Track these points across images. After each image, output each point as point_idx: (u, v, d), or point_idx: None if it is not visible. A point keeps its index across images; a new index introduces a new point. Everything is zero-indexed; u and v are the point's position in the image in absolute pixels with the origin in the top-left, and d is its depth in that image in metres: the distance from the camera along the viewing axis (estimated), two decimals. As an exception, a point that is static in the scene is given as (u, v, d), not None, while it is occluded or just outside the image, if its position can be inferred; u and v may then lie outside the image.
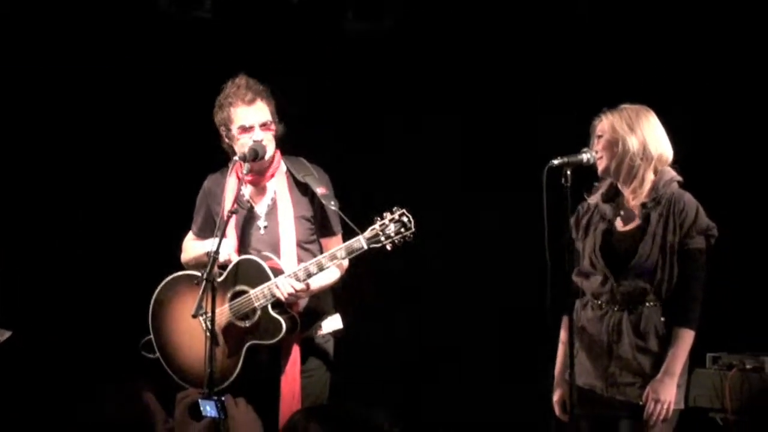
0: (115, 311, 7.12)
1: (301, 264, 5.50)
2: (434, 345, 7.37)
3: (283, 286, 5.44)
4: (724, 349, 6.29)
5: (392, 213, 5.31)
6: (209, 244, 5.59)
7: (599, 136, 5.22)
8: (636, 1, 7.09)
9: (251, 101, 5.64)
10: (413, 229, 5.29)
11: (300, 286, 5.45)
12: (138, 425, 3.88)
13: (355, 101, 7.33)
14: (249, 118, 5.65)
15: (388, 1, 7.34)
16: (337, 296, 5.79)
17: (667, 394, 5.06)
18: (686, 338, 5.11)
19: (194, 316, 5.36)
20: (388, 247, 5.31)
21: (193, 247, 5.86)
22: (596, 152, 5.19)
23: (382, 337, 7.33)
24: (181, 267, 5.83)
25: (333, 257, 5.41)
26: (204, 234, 5.78)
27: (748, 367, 6.15)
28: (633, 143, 5.15)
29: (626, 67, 6.93)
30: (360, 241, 5.33)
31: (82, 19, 7.30)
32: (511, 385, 7.03)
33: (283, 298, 5.45)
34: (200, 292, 5.31)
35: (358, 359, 6.89)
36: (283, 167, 5.74)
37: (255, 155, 5.56)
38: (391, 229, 5.29)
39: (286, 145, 5.77)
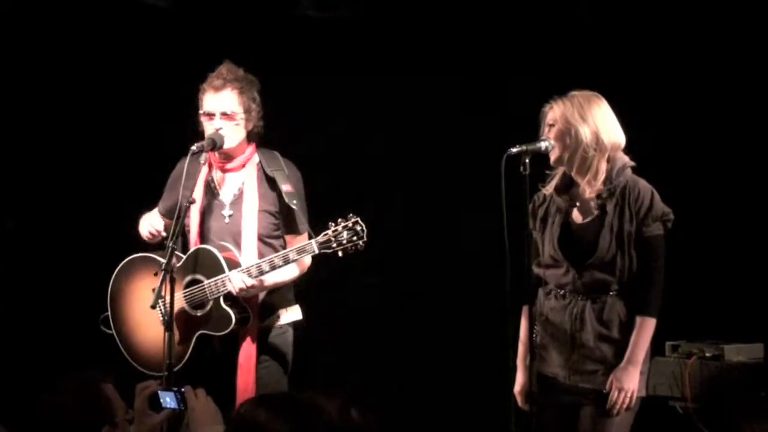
0: (76, 299, 7.09)
1: (255, 260, 5.49)
2: (394, 331, 7.36)
3: (235, 281, 5.44)
4: (683, 337, 6.34)
5: (346, 220, 5.30)
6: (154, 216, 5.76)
7: (551, 125, 5.21)
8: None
9: (218, 88, 5.61)
10: (365, 239, 5.28)
11: (251, 282, 5.44)
12: (98, 415, 3.87)
13: (312, 91, 7.31)
14: (212, 105, 5.61)
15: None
16: (299, 289, 5.79)
17: (631, 382, 5.09)
18: (648, 326, 5.14)
19: (152, 307, 5.37)
20: (340, 254, 5.32)
21: (145, 217, 5.85)
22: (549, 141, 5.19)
23: (342, 325, 7.33)
24: (139, 248, 5.81)
25: (285, 258, 5.41)
26: (170, 215, 5.74)
27: (707, 355, 6.19)
28: (585, 133, 5.13)
29: (573, 52, 6.94)
30: (312, 245, 5.33)
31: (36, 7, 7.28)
32: (474, 375, 7.02)
33: (234, 293, 5.45)
34: (159, 284, 5.31)
35: (321, 349, 6.95)
36: (255, 159, 5.72)
37: (213, 145, 5.53)
38: (344, 236, 5.28)
39: (264, 138, 5.75)
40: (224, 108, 5.60)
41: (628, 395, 5.09)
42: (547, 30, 7.13)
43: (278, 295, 5.70)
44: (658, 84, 6.79)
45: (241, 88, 5.62)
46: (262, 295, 5.63)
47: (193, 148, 5.53)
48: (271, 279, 5.54)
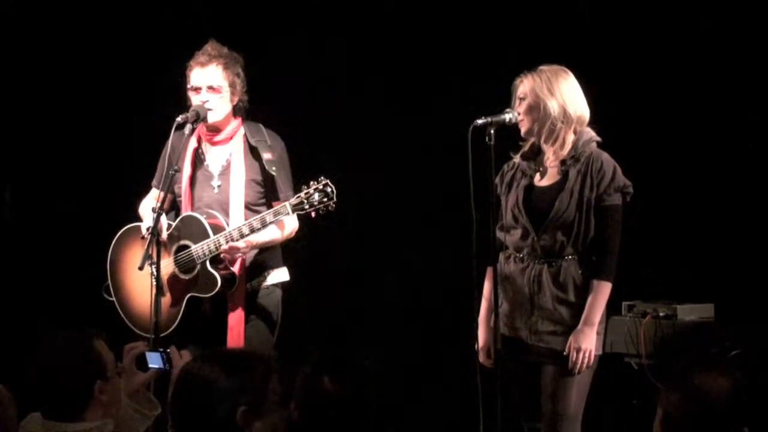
0: (74, 267, 7.22)
1: (234, 226, 5.66)
2: (364, 298, 7.48)
3: (223, 243, 5.61)
4: (638, 297, 6.42)
5: (317, 182, 5.48)
6: (150, 199, 5.90)
7: (521, 99, 5.34)
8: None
9: (203, 63, 5.79)
10: (335, 199, 5.46)
11: (236, 244, 5.60)
12: (90, 369, 3.96)
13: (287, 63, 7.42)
14: (197, 79, 5.80)
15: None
16: (286, 251, 5.95)
17: (588, 342, 5.22)
18: (603, 290, 5.26)
19: (140, 269, 5.52)
20: (312, 215, 5.51)
21: (144, 202, 6.03)
22: (518, 114, 5.32)
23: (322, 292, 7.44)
24: (134, 218, 6.00)
25: (263, 220, 5.58)
26: (165, 189, 5.91)
27: (660, 314, 6.25)
28: (553, 107, 5.26)
29: (544, 27, 7.00)
30: (286, 207, 5.51)
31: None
32: (439, 338, 7.13)
33: (222, 255, 5.63)
34: (145, 246, 5.49)
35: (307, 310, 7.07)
36: (241, 132, 5.88)
37: (196, 116, 5.70)
38: (315, 198, 5.46)
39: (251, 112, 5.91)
40: (210, 82, 5.78)
41: (586, 354, 5.21)
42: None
43: (266, 257, 5.86)
44: (620, 62, 6.84)
45: (225, 63, 5.79)
46: (250, 257, 5.78)
47: (179, 119, 5.69)
48: (258, 239, 5.68)
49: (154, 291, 5.49)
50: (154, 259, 5.48)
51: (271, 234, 5.74)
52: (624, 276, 5.50)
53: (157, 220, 5.52)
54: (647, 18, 6.88)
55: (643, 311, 6.35)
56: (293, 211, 5.50)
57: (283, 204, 5.54)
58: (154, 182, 6.01)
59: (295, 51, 7.46)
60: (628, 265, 5.53)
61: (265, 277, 5.87)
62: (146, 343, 4.68)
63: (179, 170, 5.75)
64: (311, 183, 5.49)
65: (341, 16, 7.42)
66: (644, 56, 6.87)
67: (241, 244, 5.62)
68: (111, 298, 5.97)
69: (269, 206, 5.78)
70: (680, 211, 6.84)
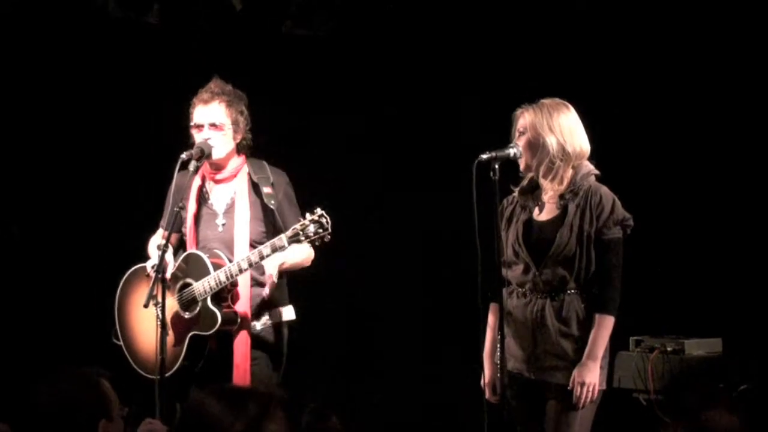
0: (79, 306, 7.20)
1: (233, 262, 5.63)
2: (368, 335, 7.45)
3: (223, 279, 5.59)
4: (646, 332, 6.39)
5: (312, 214, 5.45)
6: (158, 238, 5.82)
7: (520, 132, 5.30)
8: None
9: (206, 101, 5.77)
10: (330, 231, 5.43)
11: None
12: (95, 408, 3.92)
13: (288, 101, 7.43)
14: (200, 117, 5.78)
15: (325, 10, 7.42)
16: (291, 289, 5.91)
17: (592, 377, 5.17)
18: (606, 323, 5.21)
19: (145, 306, 5.51)
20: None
21: (152, 241, 6.00)
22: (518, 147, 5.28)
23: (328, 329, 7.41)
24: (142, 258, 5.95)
25: (260, 254, 5.55)
26: (168, 227, 5.86)
27: (668, 349, 6.23)
28: (553, 144, 5.22)
29: (542, 61, 7.01)
30: (282, 240, 5.48)
31: (26, 21, 7.37)
32: (446, 373, 7.10)
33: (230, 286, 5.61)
34: (150, 284, 5.47)
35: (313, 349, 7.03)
36: (245, 170, 5.85)
37: (201, 153, 5.68)
38: (311, 229, 5.43)
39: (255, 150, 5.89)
40: (212, 119, 5.75)
41: (590, 389, 5.16)
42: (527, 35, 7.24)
43: (272, 295, 5.80)
44: (620, 93, 6.88)
45: (228, 101, 5.77)
46: (256, 295, 5.74)
47: (183, 156, 5.67)
48: (288, 260, 5.68)
49: (159, 329, 5.46)
50: (159, 298, 5.43)
51: (297, 255, 5.71)
52: (632, 311, 5.45)
53: (162, 258, 5.49)
54: (645, 49, 6.89)
55: (650, 346, 6.32)
56: (289, 243, 5.47)
57: (279, 237, 5.51)
58: (163, 223, 5.97)
59: (294, 84, 7.47)
60: (635, 300, 5.49)
61: (271, 315, 5.82)
62: (168, 429, 4.57)
63: (184, 207, 5.71)
64: (306, 214, 5.46)
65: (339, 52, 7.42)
66: (647, 86, 6.89)
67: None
68: (119, 343, 5.92)
69: None
70: (688, 245, 6.82)
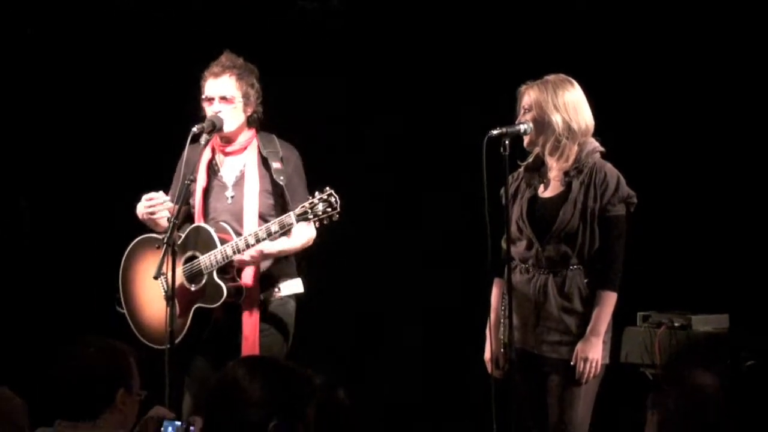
0: (86, 281, 7.22)
1: (241, 236, 5.63)
2: (381, 302, 7.44)
3: (230, 252, 5.58)
4: (653, 308, 6.39)
5: (322, 192, 5.45)
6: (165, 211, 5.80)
7: (526, 109, 5.29)
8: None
9: (217, 74, 5.76)
10: (339, 210, 5.41)
11: (250, 252, 5.57)
12: (117, 374, 3.93)
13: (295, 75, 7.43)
14: (211, 90, 5.76)
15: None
16: (300, 262, 5.91)
17: (595, 352, 5.18)
18: (609, 299, 5.21)
19: (155, 278, 5.52)
20: (316, 224, 5.49)
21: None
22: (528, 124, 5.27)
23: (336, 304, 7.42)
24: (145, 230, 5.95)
25: (268, 230, 5.54)
26: (177, 199, 5.85)
27: (675, 324, 6.23)
28: (558, 121, 5.22)
29: (548, 38, 6.99)
30: (290, 217, 5.46)
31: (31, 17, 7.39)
32: (452, 351, 7.10)
33: (234, 263, 5.60)
34: (161, 256, 5.46)
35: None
36: (255, 143, 5.84)
37: (212, 126, 5.67)
38: (319, 208, 5.41)
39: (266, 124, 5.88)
40: (223, 92, 5.74)
41: (593, 364, 5.17)
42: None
43: (279, 267, 5.81)
44: (627, 70, 6.85)
45: (239, 74, 5.75)
46: (263, 267, 5.74)
47: (194, 129, 5.66)
48: (271, 248, 5.67)
49: (168, 302, 5.46)
50: (164, 270, 5.45)
51: (285, 243, 5.71)
52: (639, 286, 5.45)
53: (172, 230, 5.48)
54: (652, 28, 6.86)
55: (658, 321, 6.32)
56: (297, 221, 5.46)
57: (287, 214, 5.50)
58: (170, 197, 5.95)
59: (306, 69, 7.45)
60: (643, 276, 5.49)
61: (279, 288, 5.82)
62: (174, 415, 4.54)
63: (194, 180, 5.71)
64: (315, 193, 5.46)
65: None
66: (653, 63, 6.85)
67: (252, 252, 5.58)
68: (122, 311, 5.93)
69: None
70: (696, 221, 6.79)
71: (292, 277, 5.88)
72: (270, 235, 5.54)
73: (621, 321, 5.42)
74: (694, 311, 6.32)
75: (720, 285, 6.56)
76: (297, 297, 5.89)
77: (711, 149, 6.76)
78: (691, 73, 6.80)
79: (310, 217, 5.43)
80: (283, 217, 5.52)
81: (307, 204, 5.44)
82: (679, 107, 6.82)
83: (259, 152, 5.81)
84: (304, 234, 5.73)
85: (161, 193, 5.84)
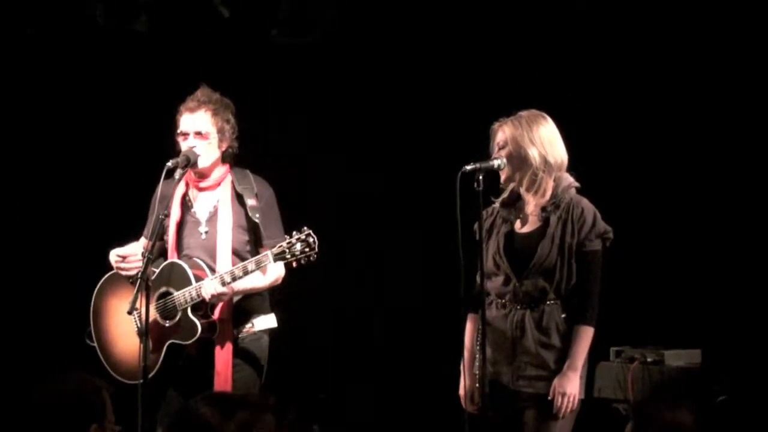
0: (63, 305, 7.17)
1: (217, 273, 5.61)
2: (352, 343, 7.45)
3: (206, 290, 5.56)
4: (626, 343, 6.41)
5: (300, 233, 5.44)
6: (137, 246, 5.81)
7: (500, 146, 5.28)
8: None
9: (192, 110, 5.73)
10: (317, 250, 5.40)
11: (221, 289, 5.55)
12: (90, 411, 3.91)
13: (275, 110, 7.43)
14: (186, 125, 5.73)
15: (315, 17, 7.43)
16: (275, 298, 5.88)
17: (573, 387, 5.16)
18: (586, 334, 5.20)
19: (129, 313, 5.49)
20: (293, 265, 5.46)
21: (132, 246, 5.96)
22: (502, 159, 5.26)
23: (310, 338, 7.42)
24: None
25: (245, 269, 5.53)
26: (150, 235, 5.81)
27: (648, 360, 6.26)
28: (534, 156, 5.21)
29: (517, 74, 7.04)
30: (267, 256, 5.46)
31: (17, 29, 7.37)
32: (425, 384, 7.10)
33: (206, 299, 5.57)
34: (135, 291, 5.44)
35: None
36: (229, 178, 5.81)
37: (187, 161, 5.63)
38: (297, 248, 5.40)
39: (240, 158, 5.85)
40: (198, 128, 5.71)
41: (571, 399, 5.15)
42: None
43: (253, 303, 5.77)
44: (595, 110, 6.91)
45: (215, 109, 5.72)
46: (235, 303, 5.72)
47: (169, 164, 5.64)
48: (240, 286, 5.63)
49: (140, 335, 5.45)
50: (138, 306, 5.43)
51: (255, 281, 5.69)
52: (612, 321, 5.45)
53: (146, 266, 5.46)
54: (622, 60, 6.91)
55: (631, 356, 6.34)
56: (275, 260, 5.46)
57: (265, 253, 5.50)
58: (146, 231, 5.92)
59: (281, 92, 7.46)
60: (616, 311, 5.50)
61: (253, 323, 5.80)
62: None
63: (168, 215, 5.69)
64: (294, 233, 5.45)
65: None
66: (624, 97, 6.91)
67: (223, 290, 5.57)
68: (93, 344, 5.89)
69: (256, 252, 5.71)
70: (669, 257, 6.83)
71: (265, 312, 5.84)
72: (246, 273, 5.54)
73: (594, 356, 5.40)
74: (667, 346, 6.34)
75: (692, 320, 6.59)
76: (271, 332, 5.85)
77: (681, 185, 6.81)
78: (657, 111, 6.86)
79: (288, 256, 5.42)
80: (260, 256, 5.51)
81: (285, 244, 5.43)
82: (647, 144, 6.88)
83: (233, 188, 5.79)
84: (273, 272, 5.71)
85: (132, 247, 5.83)
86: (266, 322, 5.84)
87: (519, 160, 5.25)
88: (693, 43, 6.78)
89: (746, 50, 6.66)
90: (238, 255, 5.70)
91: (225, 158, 5.81)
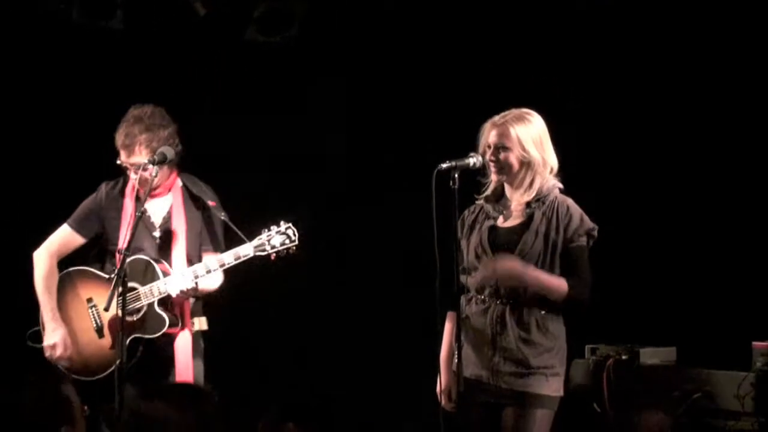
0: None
1: (192, 266, 5.61)
2: (323, 343, 7.44)
3: (175, 284, 5.57)
4: (601, 340, 6.40)
5: (279, 225, 5.44)
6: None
7: (490, 145, 5.24)
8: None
9: (128, 148, 5.69)
10: (296, 242, 5.42)
11: (190, 285, 5.56)
12: (57, 415, 3.89)
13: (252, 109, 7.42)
14: (127, 161, 5.70)
15: (288, 16, 7.43)
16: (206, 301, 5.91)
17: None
18: (560, 285, 5.17)
19: (106, 310, 5.48)
20: (272, 257, 5.47)
21: (53, 239, 5.93)
22: (490, 160, 5.23)
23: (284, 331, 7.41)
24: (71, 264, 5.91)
25: (221, 262, 5.52)
26: (80, 229, 5.85)
27: (623, 357, 6.25)
28: (523, 154, 5.20)
29: (506, 75, 7.06)
30: (247, 248, 5.45)
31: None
32: (402, 382, 7.09)
33: (174, 295, 5.58)
34: (111, 288, 5.41)
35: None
36: (179, 183, 5.82)
37: (163, 158, 5.62)
38: (277, 240, 5.42)
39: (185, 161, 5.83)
40: (139, 165, 5.64)
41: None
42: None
43: (194, 305, 5.83)
44: (585, 105, 6.97)
45: (148, 139, 5.68)
46: (191, 301, 5.77)
47: (133, 176, 5.65)
48: (203, 284, 5.65)
49: (120, 331, 5.43)
50: (100, 303, 5.51)
51: (218, 280, 5.71)
52: (587, 319, 5.43)
53: (123, 262, 5.43)
54: (611, 60, 6.94)
55: (605, 354, 6.33)
56: (254, 252, 5.47)
57: (244, 245, 5.49)
58: (72, 222, 5.88)
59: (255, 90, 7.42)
60: (591, 308, 5.50)
61: (194, 323, 5.83)
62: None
63: (145, 212, 5.65)
64: (272, 226, 5.45)
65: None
66: (612, 96, 6.93)
67: (192, 285, 5.59)
68: (38, 345, 5.83)
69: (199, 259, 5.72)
70: (644, 255, 6.86)
71: (200, 315, 5.88)
72: (222, 266, 5.54)
73: (569, 353, 5.39)
74: (642, 344, 6.34)
75: (667, 318, 6.61)
76: (203, 334, 5.88)
77: (657, 185, 6.84)
78: (636, 116, 6.91)
79: (268, 249, 5.43)
80: (239, 248, 5.50)
81: (264, 236, 5.43)
82: (623, 146, 6.91)
83: (186, 191, 5.78)
84: (218, 279, 5.72)
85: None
86: (202, 323, 5.88)
87: (508, 158, 5.23)
88: (690, 45, 6.84)
89: (740, 54, 6.70)
90: (190, 260, 5.73)
91: (171, 165, 5.78)
